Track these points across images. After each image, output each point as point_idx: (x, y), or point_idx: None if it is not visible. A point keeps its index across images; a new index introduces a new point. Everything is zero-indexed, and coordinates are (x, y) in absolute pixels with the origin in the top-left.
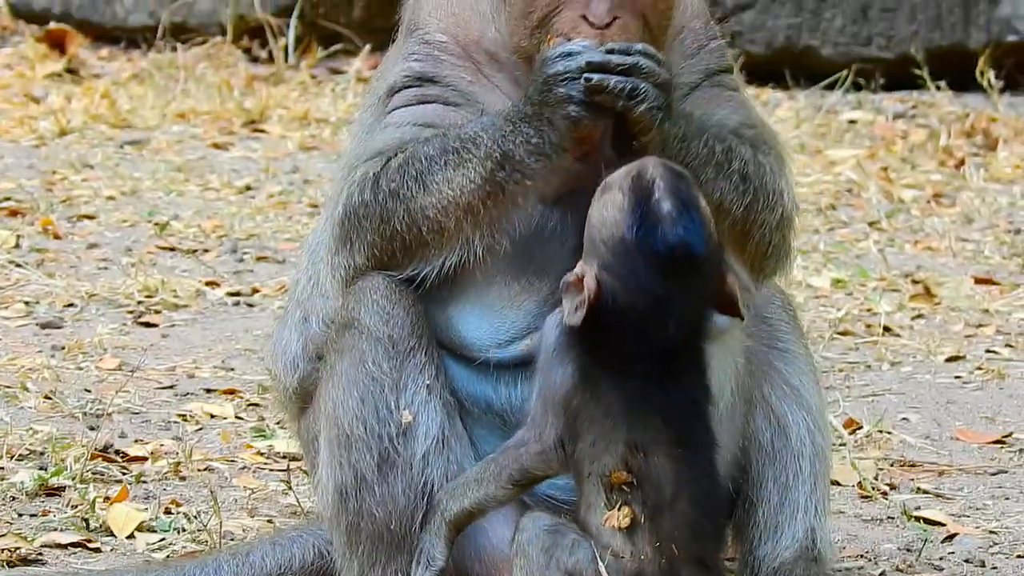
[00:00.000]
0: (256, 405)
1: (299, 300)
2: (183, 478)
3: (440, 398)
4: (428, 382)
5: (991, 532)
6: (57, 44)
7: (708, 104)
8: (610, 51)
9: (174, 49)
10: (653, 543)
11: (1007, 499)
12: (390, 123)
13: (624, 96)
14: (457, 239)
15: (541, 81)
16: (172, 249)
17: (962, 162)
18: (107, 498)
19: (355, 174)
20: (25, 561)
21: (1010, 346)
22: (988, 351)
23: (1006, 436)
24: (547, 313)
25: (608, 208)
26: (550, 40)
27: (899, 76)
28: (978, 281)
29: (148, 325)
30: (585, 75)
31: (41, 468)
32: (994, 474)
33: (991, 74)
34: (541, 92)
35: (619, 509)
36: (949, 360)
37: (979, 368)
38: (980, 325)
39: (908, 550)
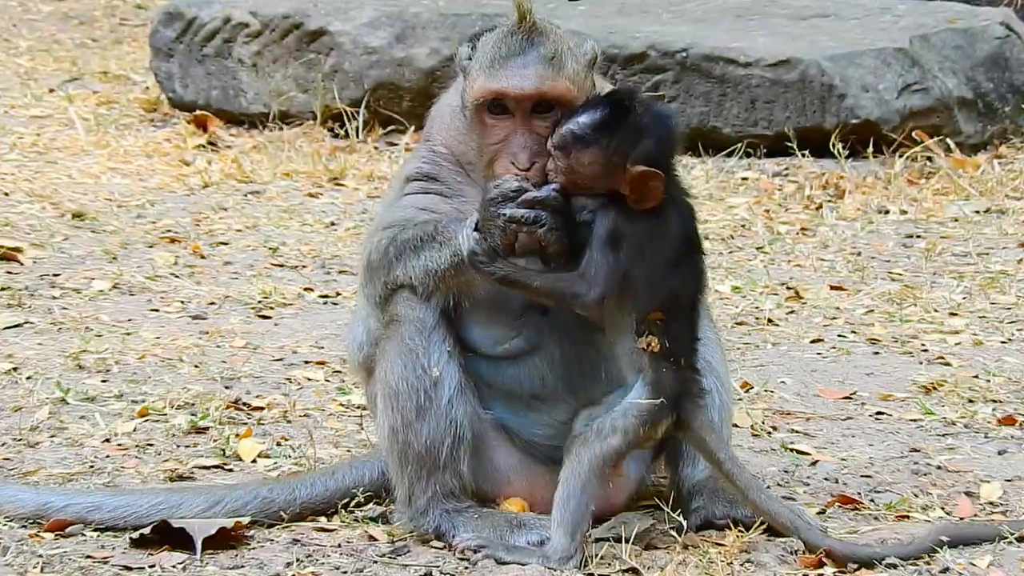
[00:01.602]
0: (339, 372)
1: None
2: (289, 421)
3: (457, 360)
4: (449, 349)
5: (842, 460)
6: (201, 125)
7: None
8: (519, 190)
9: (281, 128)
10: (668, 358)
11: (853, 437)
12: (403, 204)
13: (527, 223)
14: (436, 293)
15: (482, 205)
16: (281, 265)
17: (820, 206)
18: (237, 435)
19: (375, 238)
20: (181, 478)
21: (854, 332)
22: (839, 336)
23: (852, 394)
24: (521, 326)
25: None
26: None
27: (777, 148)
28: (832, 288)
29: (265, 317)
30: (501, 210)
31: (192, 415)
32: (844, 420)
33: (840, 146)
34: (481, 213)
35: (647, 336)
36: (812, 342)
37: (833, 348)
38: (833, 318)
39: (786, 472)
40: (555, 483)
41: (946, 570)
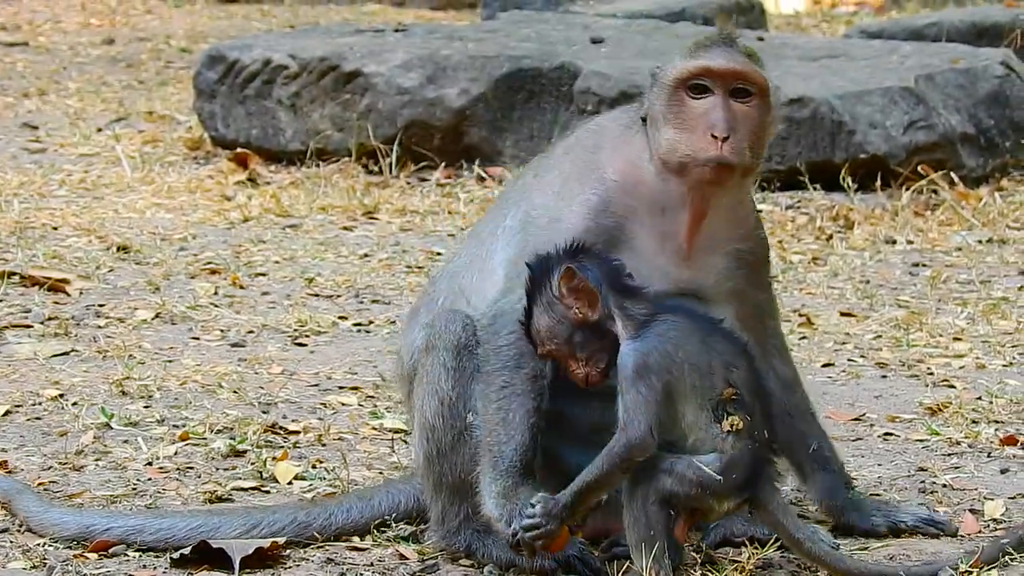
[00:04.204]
0: (372, 397)
1: (427, 309)
2: (324, 444)
3: None
4: None
5: (852, 479)
6: (242, 162)
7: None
8: (528, 530)
9: (318, 165)
10: (752, 433)
11: (863, 457)
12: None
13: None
14: None
15: (512, 533)
16: (317, 295)
17: (830, 237)
18: (274, 458)
19: (490, 320)
20: (220, 499)
21: (863, 357)
22: (849, 360)
23: (861, 416)
24: None
25: None
26: None
27: (789, 181)
28: (842, 314)
29: (301, 345)
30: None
31: (231, 438)
32: (853, 440)
33: (849, 179)
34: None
35: (728, 418)
36: (823, 366)
37: (843, 371)
38: (843, 343)
39: (799, 490)
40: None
41: None
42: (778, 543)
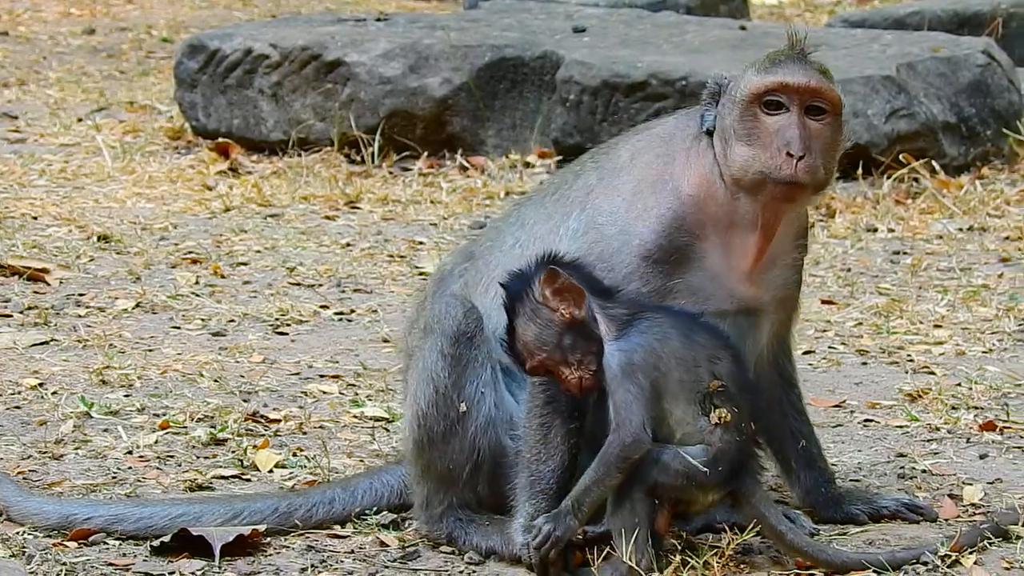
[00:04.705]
0: (353, 385)
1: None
2: (305, 433)
3: (492, 397)
4: (483, 389)
5: (833, 465)
6: (223, 152)
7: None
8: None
9: (300, 155)
10: (739, 426)
11: (843, 443)
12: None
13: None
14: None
15: (521, 544)
16: (298, 284)
17: (812, 225)
18: (255, 446)
19: None
20: (200, 487)
21: (844, 344)
22: (829, 347)
23: (841, 403)
24: None
25: None
26: None
27: None
28: (823, 302)
29: (282, 334)
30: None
31: (212, 427)
32: (834, 427)
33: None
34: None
35: (715, 411)
36: (805, 353)
37: (824, 359)
38: (824, 330)
39: (779, 477)
40: None
41: (934, 569)
42: (757, 527)
